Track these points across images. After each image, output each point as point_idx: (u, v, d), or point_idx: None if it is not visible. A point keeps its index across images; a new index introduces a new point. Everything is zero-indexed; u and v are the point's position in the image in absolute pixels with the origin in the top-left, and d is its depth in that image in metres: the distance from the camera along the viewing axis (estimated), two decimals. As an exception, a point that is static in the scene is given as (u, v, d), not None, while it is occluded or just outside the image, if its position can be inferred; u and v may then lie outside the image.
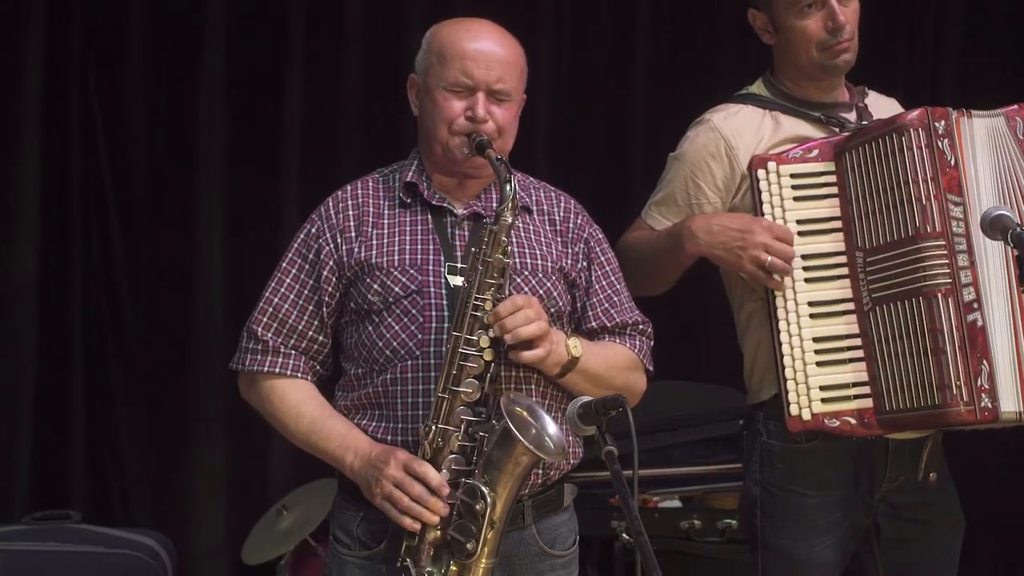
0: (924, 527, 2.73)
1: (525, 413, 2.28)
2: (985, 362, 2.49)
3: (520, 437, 2.20)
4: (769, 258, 2.58)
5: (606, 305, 2.55)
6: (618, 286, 2.58)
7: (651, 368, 2.58)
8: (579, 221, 2.58)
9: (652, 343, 2.60)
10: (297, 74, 4.23)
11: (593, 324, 2.54)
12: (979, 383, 2.48)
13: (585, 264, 2.55)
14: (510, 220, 2.33)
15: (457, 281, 2.39)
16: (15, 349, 4.04)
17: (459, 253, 2.43)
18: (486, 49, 2.43)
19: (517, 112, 2.51)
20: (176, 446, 4.15)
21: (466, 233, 2.46)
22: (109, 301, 4.13)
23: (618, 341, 2.55)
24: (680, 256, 2.70)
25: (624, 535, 3.65)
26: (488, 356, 2.31)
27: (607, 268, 2.58)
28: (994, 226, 2.37)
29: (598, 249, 2.59)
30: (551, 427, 2.28)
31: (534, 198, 2.56)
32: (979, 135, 2.60)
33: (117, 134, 4.13)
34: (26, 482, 4.03)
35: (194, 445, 4.16)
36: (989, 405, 2.48)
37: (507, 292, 2.35)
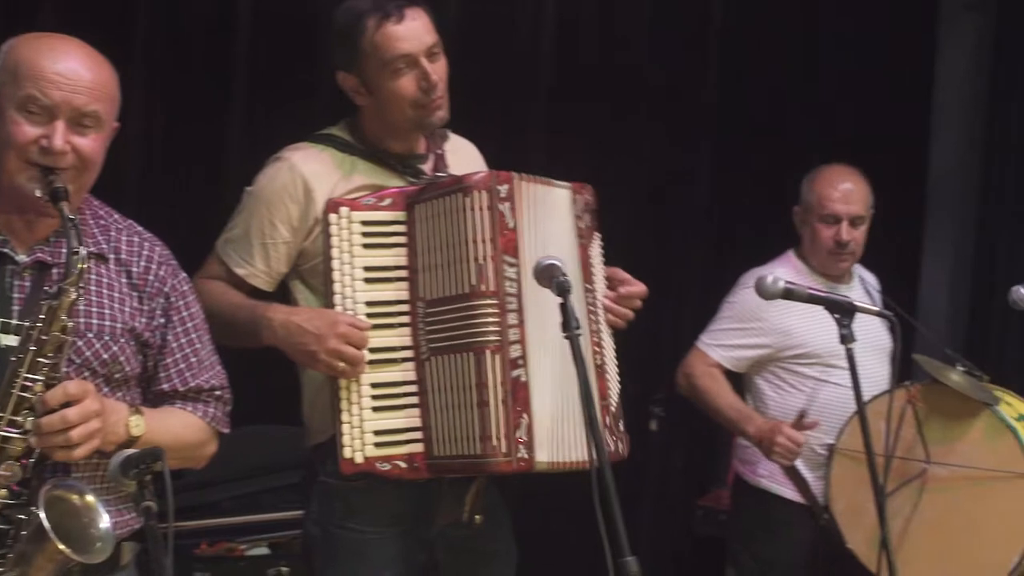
0: (479, 556, 2.90)
1: (76, 500, 2.15)
2: (525, 415, 2.62)
3: (54, 536, 2.06)
4: (341, 365, 2.61)
5: (181, 366, 2.43)
6: (198, 345, 2.45)
7: (225, 430, 2.53)
8: (162, 273, 2.40)
9: (229, 407, 2.53)
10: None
11: (164, 387, 2.42)
12: (518, 435, 2.61)
13: (162, 321, 2.40)
14: (73, 296, 2.16)
15: (11, 341, 2.20)
16: None
17: (16, 308, 2.23)
18: (69, 71, 2.21)
19: (105, 142, 2.30)
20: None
21: (27, 284, 2.25)
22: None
23: (190, 407, 2.46)
24: (258, 341, 2.70)
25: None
26: (34, 440, 2.13)
27: (188, 325, 2.44)
28: (544, 274, 2.45)
29: (180, 303, 2.43)
30: (104, 521, 2.14)
31: (113, 244, 2.37)
32: (540, 202, 2.72)
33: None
34: None
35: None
36: (525, 456, 2.62)
37: (63, 369, 2.20)
